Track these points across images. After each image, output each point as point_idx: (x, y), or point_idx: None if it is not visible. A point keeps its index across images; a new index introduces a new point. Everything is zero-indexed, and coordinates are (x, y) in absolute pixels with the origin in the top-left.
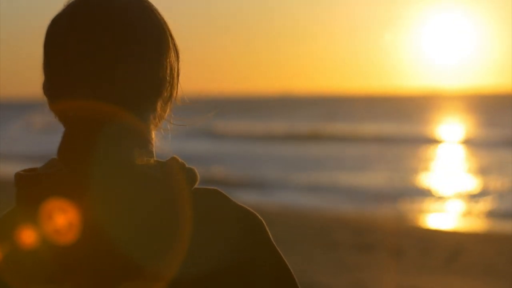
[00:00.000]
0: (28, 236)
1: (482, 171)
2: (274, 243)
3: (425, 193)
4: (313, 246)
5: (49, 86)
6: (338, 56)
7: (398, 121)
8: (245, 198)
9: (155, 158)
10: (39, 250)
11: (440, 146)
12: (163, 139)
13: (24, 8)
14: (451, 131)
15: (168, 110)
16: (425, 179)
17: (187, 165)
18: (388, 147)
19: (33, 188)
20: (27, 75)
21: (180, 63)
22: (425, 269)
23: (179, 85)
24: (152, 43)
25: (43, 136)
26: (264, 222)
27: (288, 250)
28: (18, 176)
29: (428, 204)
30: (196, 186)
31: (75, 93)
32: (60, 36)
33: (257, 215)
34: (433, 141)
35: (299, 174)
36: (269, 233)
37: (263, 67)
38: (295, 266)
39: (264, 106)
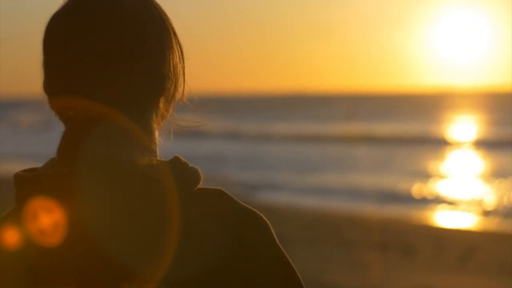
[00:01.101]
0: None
1: (496, 170)
2: (279, 244)
3: (438, 192)
4: (327, 245)
5: (48, 84)
6: (351, 55)
7: (411, 120)
8: (259, 198)
9: (158, 158)
10: (27, 252)
11: (453, 145)
12: (171, 139)
13: (5, 8)
14: (464, 130)
15: (171, 109)
16: (439, 179)
17: (190, 165)
18: (401, 147)
19: (32, 188)
20: (13, 74)
21: (186, 61)
22: (439, 268)
23: (185, 84)
24: (154, 40)
25: (31, 135)
26: (268, 222)
27: (302, 249)
28: (18, 176)
29: (441, 203)
30: (199, 186)
31: (75, 91)
32: (59, 34)
33: (262, 215)
34: (446, 141)
35: (312, 174)
36: (274, 234)
37: (275, 65)
38: (309, 265)
39: (276, 105)
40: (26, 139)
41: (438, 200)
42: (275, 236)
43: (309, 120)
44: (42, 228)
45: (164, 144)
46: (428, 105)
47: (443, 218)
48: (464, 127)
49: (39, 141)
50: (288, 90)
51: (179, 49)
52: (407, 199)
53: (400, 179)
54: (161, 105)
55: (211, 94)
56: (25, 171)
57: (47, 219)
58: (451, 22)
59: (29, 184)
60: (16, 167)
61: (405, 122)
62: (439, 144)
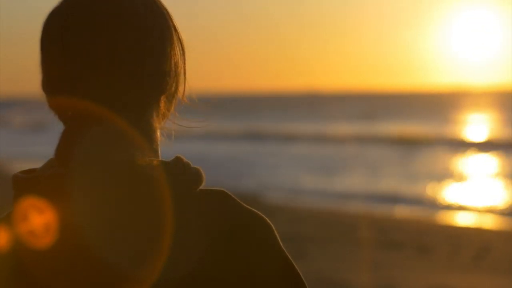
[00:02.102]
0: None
1: (510, 169)
2: (282, 247)
3: (452, 192)
4: (341, 244)
5: (46, 83)
6: (364, 53)
7: (425, 120)
8: (273, 197)
9: (159, 158)
10: (19, 254)
11: (467, 145)
12: (173, 139)
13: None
14: (478, 130)
15: (172, 108)
16: (453, 178)
17: (192, 165)
18: (416, 148)
19: (30, 190)
20: (4, 74)
21: (198, 60)
22: (453, 267)
23: (185, 82)
24: (155, 36)
25: (23, 136)
26: (272, 225)
27: (317, 248)
28: (16, 178)
29: (455, 203)
30: (201, 187)
31: (74, 89)
32: (56, 31)
33: (265, 218)
34: (460, 141)
35: (327, 173)
36: (278, 237)
37: (289, 64)
38: (324, 264)
39: (290, 104)
40: (19, 140)
41: (452, 200)
42: (278, 239)
43: (323, 119)
44: (32, 230)
45: (167, 144)
46: (442, 104)
47: (457, 218)
48: (478, 127)
49: (32, 142)
50: (301, 89)
51: (180, 46)
52: (421, 198)
53: (414, 179)
54: (162, 104)
55: (225, 94)
56: (23, 172)
57: (38, 220)
58: (465, 21)
59: (26, 186)
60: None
61: (419, 122)
62: (453, 144)
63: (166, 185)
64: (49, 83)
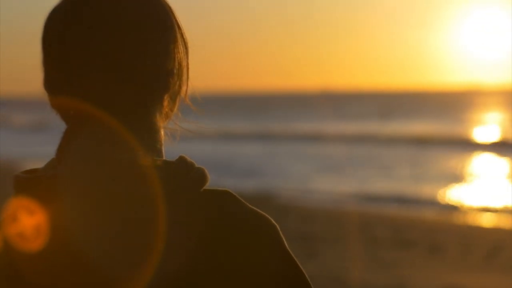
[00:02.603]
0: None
1: None
2: (288, 249)
3: (464, 191)
4: (353, 243)
5: (48, 82)
6: (379, 52)
7: (439, 119)
8: (288, 197)
9: (163, 158)
10: (11, 256)
11: (480, 145)
12: (177, 139)
13: None
14: (491, 129)
15: (175, 108)
16: (465, 178)
17: (196, 165)
18: (429, 147)
19: (32, 190)
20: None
21: (211, 59)
22: (465, 266)
23: (188, 81)
24: (158, 34)
25: (23, 135)
26: (277, 226)
27: (329, 247)
28: (17, 178)
29: (467, 202)
30: (205, 187)
31: (75, 89)
32: (58, 29)
33: (271, 219)
34: (473, 141)
35: (339, 172)
36: (283, 239)
37: (305, 63)
38: (335, 263)
39: (305, 104)
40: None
41: (464, 199)
42: (284, 240)
43: (337, 118)
44: (21, 232)
45: (173, 144)
46: (455, 103)
47: (469, 217)
48: (490, 126)
49: (32, 142)
50: (315, 88)
51: (183, 44)
52: (433, 198)
53: (427, 178)
54: (166, 103)
55: (240, 93)
56: (24, 172)
57: (28, 222)
58: (480, 19)
59: (27, 186)
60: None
61: (433, 121)
62: (465, 144)
63: (169, 185)
64: (50, 82)
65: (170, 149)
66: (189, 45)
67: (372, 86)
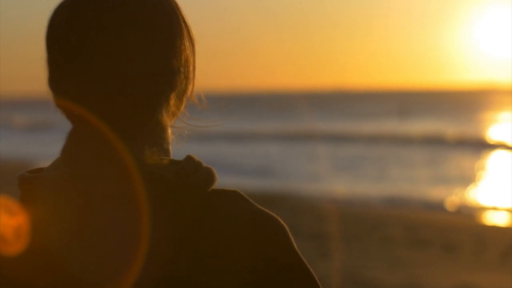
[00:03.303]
0: None
1: None
2: (298, 250)
3: (479, 190)
4: (368, 242)
5: (52, 81)
6: (394, 51)
7: (457, 118)
8: (303, 197)
9: (170, 157)
10: None
11: (495, 145)
12: (185, 139)
13: None
14: (507, 129)
15: (182, 107)
16: (480, 177)
17: (204, 164)
18: (444, 147)
19: (35, 190)
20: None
21: (232, 57)
22: (480, 266)
23: (194, 79)
24: (164, 31)
25: (25, 136)
26: (286, 226)
27: (342, 246)
28: (21, 177)
29: (482, 200)
30: (213, 187)
31: (81, 88)
32: (62, 27)
33: (279, 219)
34: (489, 141)
35: (352, 171)
36: (292, 240)
37: (320, 62)
38: (349, 262)
39: (320, 102)
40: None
41: (479, 198)
42: (293, 241)
43: (352, 117)
44: (1, 234)
45: (181, 143)
46: (472, 102)
47: (484, 216)
48: (506, 126)
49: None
50: (330, 87)
51: (190, 41)
52: (447, 197)
53: (442, 177)
54: (172, 101)
55: (256, 92)
56: (30, 171)
57: (7, 223)
58: (495, 17)
59: (31, 185)
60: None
61: (450, 120)
62: (481, 143)
63: (176, 185)
64: (54, 82)
65: (188, 149)
66: (199, 43)
67: (387, 84)
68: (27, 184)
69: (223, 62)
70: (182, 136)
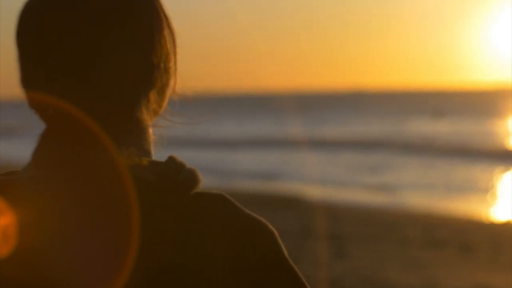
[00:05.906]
0: None
1: None
2: (287, 255)
3: (496, 189)
4: (383, 242)
5: (24, 80)
6: (409, 51)
7: (472, 118)
8: (316, 197)
9: (151, 158)
10: None
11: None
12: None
13: None
14: None
15: (164, 104)
16: (496, 177)
17: (187, 165)
18: (469, 155)
19: (5, 194)
20: None
21: (256, 59)
22: (497, 266)
23: (176, 74)
24: (142, 25)
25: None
26: (275, 231)
27: (358, 246)
28: None
29: (499, 200)
30: (197, 189)
31: (53, 87)
32: (32, 21)
33: (268, 224)
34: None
35: (369, 172)
36: (281, 245)
37: (335, 63)
38: (365, 263)
39: (337, 103)
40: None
41: (495, 197)
42: (283, 246)
43: (364, 119)
44: None
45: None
46: (491, 103)
47: (501, 215)
48: None
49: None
50: (346, 87)
51: (171, 35)
52: (464, 196)
53: (457, 175)
54: (152, 99)
55: (275, 93)
56: (3, 174)
57: None
58: (509, 18)
59: (3, 188)
60: None
61: (471, 122)
62: (500, 148)
63: (156, 188)
64: (26, 80)
65: (193, 154)
66: (218, 43)
67: (403, 85)
68: (3, 186)
69: (237, 62)
70: (163, 137)
